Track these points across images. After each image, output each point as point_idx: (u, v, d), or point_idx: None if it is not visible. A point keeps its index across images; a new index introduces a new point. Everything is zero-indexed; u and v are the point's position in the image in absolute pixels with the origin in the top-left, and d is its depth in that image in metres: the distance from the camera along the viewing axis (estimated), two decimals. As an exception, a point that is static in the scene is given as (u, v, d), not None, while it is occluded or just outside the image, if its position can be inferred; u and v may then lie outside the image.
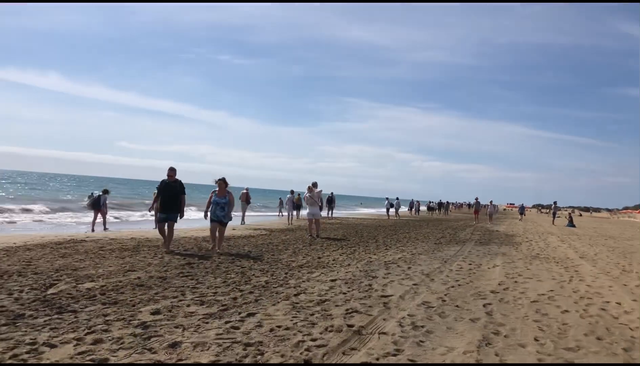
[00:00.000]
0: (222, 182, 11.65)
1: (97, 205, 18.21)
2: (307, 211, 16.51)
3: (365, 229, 22.32)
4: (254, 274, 8.34)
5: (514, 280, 9.07)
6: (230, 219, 11.75)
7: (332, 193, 34.57)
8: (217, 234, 11.49)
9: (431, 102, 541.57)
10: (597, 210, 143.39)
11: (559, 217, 42.26)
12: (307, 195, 16.37)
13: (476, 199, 36.09)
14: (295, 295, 6.78)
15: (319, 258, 11.08)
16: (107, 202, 18.81)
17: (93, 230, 17.24)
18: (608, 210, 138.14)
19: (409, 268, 10.12)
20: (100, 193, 18.64)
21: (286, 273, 8.66)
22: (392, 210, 39.98)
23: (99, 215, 18.33)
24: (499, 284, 8.59)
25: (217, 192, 11.62)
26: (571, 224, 35.45)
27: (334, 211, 34.75)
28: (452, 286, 8.11)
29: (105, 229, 17.71)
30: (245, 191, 25.83)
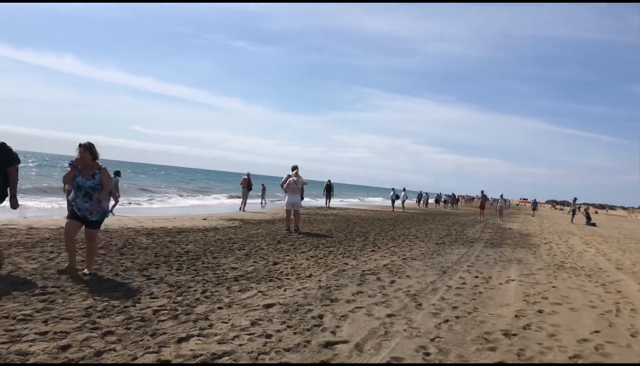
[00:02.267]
0: (85, 150, 6.30)
1: None
2: (286, 199, 13.80)
3: (360, 222, 19.61)
4: (150, 294, 5.65)
5: (536, 309, 6.34)
6: (103, 214, 6.53)
7: (329, 181, 32.21)
8: (87, 242, 6.53)
9: (446, 94, 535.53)
10: (612, 208, 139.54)
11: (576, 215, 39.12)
12: (291, 179, 13.65)
13: (482, 192, 32.89)
14: (176, 342, 4.08)
15: (275, 263, 8.41)
16: (119, 185, 17.94)
17: (112, 213, 16.20)
18: (623, 208, 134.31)
19: (392, 282, 7.42)
20: (112, 175, 16.81)
21: (204, 291, 5.98)
22: (397, 202, 37.28)
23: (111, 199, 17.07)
24: (515, 315, 5.88)
25: (80, 169, 6.35)
26: (590, 222, 32.48)
27: (331, 201, 32.21)
28: (446, 321, 5.40)
29: (112, 214, 16.18)
30: (246, 176, 24.25)
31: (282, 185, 13.86)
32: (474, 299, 6.66)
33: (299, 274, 7.56)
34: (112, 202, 17.06)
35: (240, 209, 23.14)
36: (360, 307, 5.71)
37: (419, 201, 50.83)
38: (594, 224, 31.72)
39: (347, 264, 8.86)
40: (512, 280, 8.45)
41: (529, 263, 10.94)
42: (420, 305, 6.09)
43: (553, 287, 8.04)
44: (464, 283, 7.80)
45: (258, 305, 5.45)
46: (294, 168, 14.19)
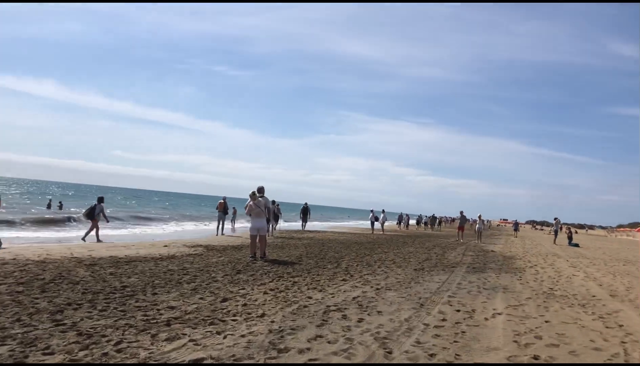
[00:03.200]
0: None
1: (92, 215, 17.00)
2: (250, 224, 12.62)
3: (336, 247, 18.45)
4: (44, 349, 4.44)
5: (531, 354, 5.26)
6: None
7: (306, 204, 31.31)
8: None
9: (426, 117, 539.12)
10: (592, 227, 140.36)
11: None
12: (250, 203, 12.50)
13: (461, 213, 31.16)
14: None
15: (225, 299, 7.22)
16: (104, 210, 17.62)
17: (98, 240, 16.44)
18: (602, 227, 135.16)
19: (360, 321, 6.27)
20: (96, 203, 17.30)
21: (120, 341, 4.79)
22: (377, 224, 36.21)
23: (93, 224, 17.03)
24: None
25: None
26: (573, 242, 31.73)
27: (307, 224, 31.59)
28: (421, 377, 4.25)
29: (83, 239, 16.33)
30: (222, 200, 23.95)
31: (245, 208, 12.69)
32: (455, 341, 5.55)
33: (249, 313, 6.38)
34: (93, 230, 16.89)
35: (217, 233, 23.03)
36: (315, 360, 4.56)
37: (400, 223, 49.86)
38: (576, 245, 30.98)
39: (310, 298, 7.70)
40: (499, 314, 7.37)
41: (515, 291, 9.90)
42: (390, 352, 4.96)
43: (546, 322, 6.98)
44: (444, 319, 6.70)
45: (182, 362, 4.25)
46: (260, 190, 13.06)
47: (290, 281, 9.30)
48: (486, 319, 6.95)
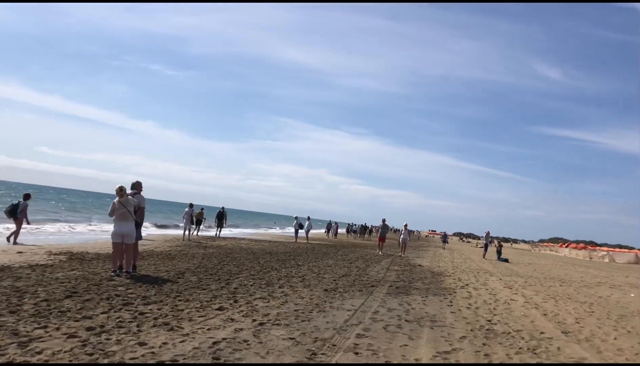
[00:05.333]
0: None
1: (15, 213, 14.92)
2: (113, 228, 9.70)
3: (241, 258, 15.74)
4: None
5: None
6: None
7: (222, 208, 28.62)
8: None
9: (362, 127, 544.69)
10: (516, 241, 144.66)
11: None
12: (114, 202, 9.60)
13: (383, 221, 26.89)
14: None
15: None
16: (27, 209, 15.35)
17: (15, 242, 14.49)
18: (525, 241, 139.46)
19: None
20: (21, 200, 15.43)
21: None
22: (302, 231, 33.73)
23: (16, 225, 15.10)
24: None
25: None
26: (502, 257, 30.47)
27: (221, 230, 28.85)
28: None
29: (9, 241, 14.57)
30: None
31: (112, 207, 9.76)
32: None
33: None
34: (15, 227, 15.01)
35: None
36: None
37: (328, 231, 47.66)
38: (506, 260, 29.74)
39: (144, 345, 5.00)
40: (424, 370, 4.94)
41: (446, 324, 7.60)
42: None
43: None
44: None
45: None
46: (134, 186, 10.22)
47: (135, 311, 6.53)
48: (404, 383, 4.50)
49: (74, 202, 68.71)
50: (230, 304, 7.68)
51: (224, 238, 26.46)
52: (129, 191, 10.03)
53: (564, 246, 72.34)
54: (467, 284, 13.73)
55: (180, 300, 7.57)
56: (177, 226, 33.71)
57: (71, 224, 26.90)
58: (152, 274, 10.05)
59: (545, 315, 9.59)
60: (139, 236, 10.14)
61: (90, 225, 28.68)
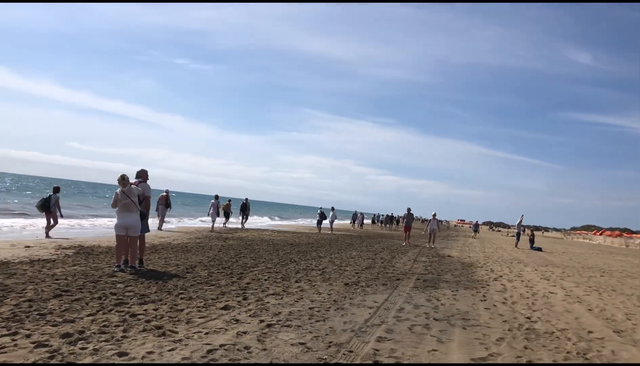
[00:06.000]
0: None
1: (47, 207, 14.93)
2: (116, 221, 9.03)
3: (260, 249, 15.03)
4: None
5: None
6: None
7: (246, 200, 28.32)
8: None
9: (387, 117, 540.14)
10: (547, 229, 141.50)
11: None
12: (116, 192, 8.92)
13: (408, 210, 25.10)
14: None
15: None
16: (59, 202, 15.39)
17: (48, 235, 14.60)
18: (556, 230, 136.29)
19: None
20: (51, 193, 15.35)
21: None
22: (326, 222, 32.98)
23: (51, 219, 15.07)
24: None
25: None
26: (535, 246, 29.18)
27: (246, 221, 28.52)
28: None
29: (47, 236, 14.50)
30: (164, 193, 22.48)
31: (114, 198, 9.08)
32: None
33: None
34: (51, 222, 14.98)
35: (158, 228, 21.13)
36: None
37: (353, 222, 46.78)
38: (539, 249, 28.45)
39: (123, 355, 4.26)
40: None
41: (480, 323, 6.70)
42: None
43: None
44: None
45: None
46: (139, 175, 9.54)
47: (127, 312, 5.80)
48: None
49: (103, 196, 68.91)
50: (238, 302, 6.92)
51: (247, 230, 25.87)
52: (133, 180, 9.33)
53: (598, 233, 70.02)
54: (500, 276, 12.77)
55: (182, 298, 6.83)
56: (203, 219, 33.34)
57: (93, 219, 26.59)
58: (160, 269, 9.37)
59: (590, 310, 8.62)
60: (145, 229, 9.46)
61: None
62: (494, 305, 8.37)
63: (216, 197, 24.58)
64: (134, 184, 9.15)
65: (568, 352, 5.59)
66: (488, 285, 10.86)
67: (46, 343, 4.37)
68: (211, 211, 24.25)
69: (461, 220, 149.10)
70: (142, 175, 9.56)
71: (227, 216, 26.59)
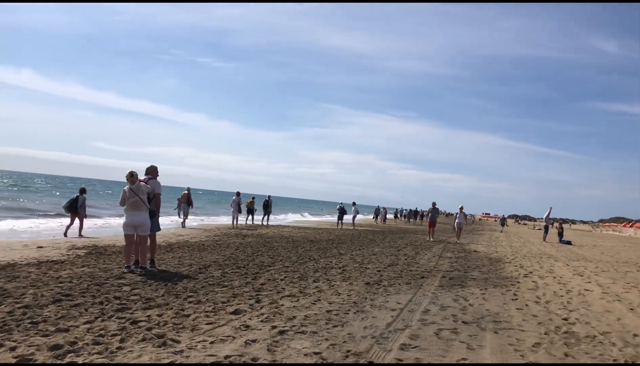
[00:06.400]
0: None
1: (75, 208, 15.06)
2: (124, 219, 8.64)
3: (278, 247, 14.59)
4: None
5: None
6: None
7: (268, 197, 27.82)
8: None
9: (410, 110, 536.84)
10: (574, 222, 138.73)
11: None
12: (124, 189, 8.53)
13: (433, 204, 23.72)
14: None
15: None
16: (85, 203, 15.59)
17: (80, 235, 14.92)
18: (584, 222, 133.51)
19: None
20: (78, 194, 15.39)
21: None
22: (347, 217, 32.51)
23: (77, 219, 15.23)
24: None
25: None
26: (564, 239, 28.24)
27: (268, 218, 28.05)
28: None
29: (80, 236, 14.85)
30: (186, 191, 22.47)
31: (123, 195, 8.69)
32: None
33: None
34: (76, 222, 15.14)
35: (182, 226, 21.60)
36: None
37: (376, 217, 46.18)
38: (568, 242, 27.52)
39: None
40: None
41: (512, 326, 6.13)
42: None
43: None
44: None
45: None
46: (148, 172, 9.14)
47: (128, 319, 5.37)
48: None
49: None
50: (250, 305, 6.45)
51: (267, 226, 25.53)
52: (142, 177, 8.93)
53: (629, 225, 68.19)
54: (530, 272, 12.12)
55: (190, 302, 6.39)
56: (225, 216, 33.18)
57: (120, 218, 26.46)
58: (172, 270, 8.97)
59: (632, 309, 7.96)
60: (156, 228, 9.07)
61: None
62: (527, 305, 7.78)
63: (237, 193, 24.41)
64: (143, 181, 8.75)
65: (615, 360, 5.02)
66: (518, 282, 10.25)
67: (30, 357, 3.96)
68: (232, 208, 24.13)
69: (486, 214, 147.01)
70: (152, 172, 9.17)
71: (251, 213, 26.52)
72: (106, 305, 5.92)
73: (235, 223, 23.84)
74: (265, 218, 27.61)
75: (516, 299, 8.26)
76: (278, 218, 38.51)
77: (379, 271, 10.70)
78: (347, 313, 6.34)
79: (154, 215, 8.78)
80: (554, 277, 11.49)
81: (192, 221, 26.04)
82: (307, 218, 46.85)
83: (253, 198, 27.38)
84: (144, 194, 8.43)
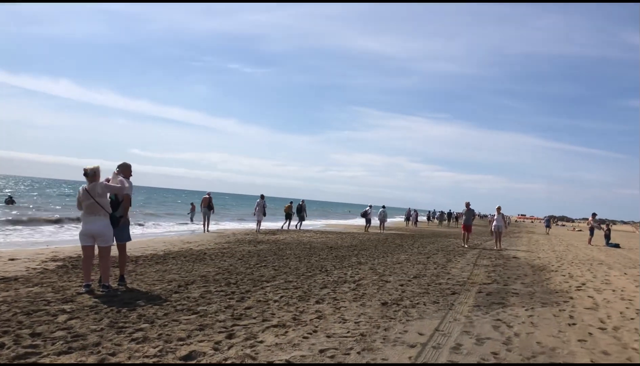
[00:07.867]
0: None
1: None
2: (81, 227, 7.02)
3: (289, 255, 12.97)
4: None
5: None
6: None
7: (302, 202, 26.88)
8: None
9: (441, 112, 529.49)
10: (614, 222, 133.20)
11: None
12: (81, 189, 6.96)
13: (467, 205, 20.63)
14: None
15: None
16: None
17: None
18: (624, 222, 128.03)
19: None
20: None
21: None
22: (375, 220, 30.77)
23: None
24: None
25: None
26: (612, 242, 25.77)
27: (293, 222, 26.84)
28: None
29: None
30: (207, 195, 21.97)
31: (78, 196, 7.10)
32: None
33: None
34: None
35: (204, 230, 21.11)
36: None
37: (407, 220, 44.11)
38: (617, 245, 25.09)
39: None
40: None
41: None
42: None
43: None
44: None
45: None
46: (121, 170, 7.56)
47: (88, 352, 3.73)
48: None
49: (162, 202, 67.48)
50: (216, 343, 4.76)
51: (299, 230, 24.54)
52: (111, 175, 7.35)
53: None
54: (584, 284, 10.16)
55: (133, 340, 4.73)
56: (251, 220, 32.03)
57: (155, 225, 25.56)
58: (143, 289, 7.36)
59: None
60: (126, 237, 7.48)
61: (161, 224, 26.68)
62: (590, 333, 5.92)
63: (262, 196, 23.64)
64: (109, 179, 7.17)
65: None
66: (572, 299, 8.36)
67: None
68: (257, 211, 23.33)
69: (522, 215, 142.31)
70: (124, 170, 7.59)
71: (289, 218, 25.99)
72: (8, 347, 4.30)
73: (258, 227, 22.95)
74: (300, 223, 26.70)
75: (574, 324, 6.42)
76: (307, 222, 36.93)
77: (402, 285, 8.93)
78: (348, 354, 4.61)
79: (117, 222, 7.18)
80: (614, 290, 9.52)
81: (215, 225, 25.04)
82: (334, 221, 45.01)
83: (291, 202, 26.66)
84: (102, 196, 6.82)
